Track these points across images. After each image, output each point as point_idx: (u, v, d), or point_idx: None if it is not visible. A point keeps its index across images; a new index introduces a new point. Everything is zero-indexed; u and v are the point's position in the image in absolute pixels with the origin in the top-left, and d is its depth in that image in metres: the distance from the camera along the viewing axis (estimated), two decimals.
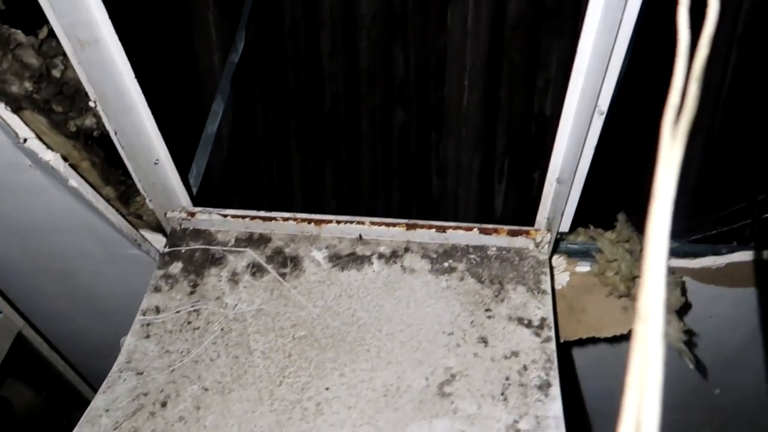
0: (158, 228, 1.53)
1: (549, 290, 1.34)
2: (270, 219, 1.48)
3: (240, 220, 1.49)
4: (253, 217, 1.49)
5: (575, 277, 1.50)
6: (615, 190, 2.69)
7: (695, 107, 0.42)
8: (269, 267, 1.43)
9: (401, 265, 1.42)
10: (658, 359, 0.35)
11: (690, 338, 1.39)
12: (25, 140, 1.20)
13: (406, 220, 1.46)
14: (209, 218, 1.50)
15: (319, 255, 1.45)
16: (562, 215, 1.36)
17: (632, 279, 1.37)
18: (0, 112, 1.20)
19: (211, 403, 1.18)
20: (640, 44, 1.09)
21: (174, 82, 3.45)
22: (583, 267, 1.50)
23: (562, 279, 1.51)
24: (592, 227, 1.53)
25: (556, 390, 1.17)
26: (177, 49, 3.38)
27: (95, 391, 1.24)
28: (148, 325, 1.34)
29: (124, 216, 1.42)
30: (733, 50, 3.11)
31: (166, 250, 1.48)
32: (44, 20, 1.10)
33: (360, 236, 1.47)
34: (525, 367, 1.22)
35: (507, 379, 1.20)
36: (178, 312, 1.36)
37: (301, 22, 3.34)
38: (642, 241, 1.44)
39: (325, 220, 1.47)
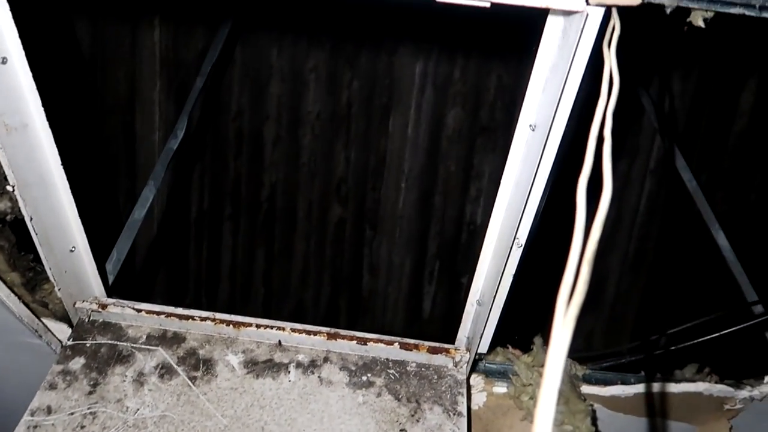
0: (64, 318, 1.44)
1: (465, 412, 1.33)
2: (186, 318, 1.43)
3: (154, 316, 1.43)
4: (168, 314, 1.43)
5: (492, 398, 1.50)
6: (533, 312, 2.78)
7: (586, 289, 0.45)
8: (180, 369, 1.36)
9: (319, 376, 1.38)
10: None
11: None
12: None
13: (327, 329, 1.44)
14: (121, 312, 1.43)
15: (235, 359, 1.39)
16: (482, 336, 1.38)
17: None
18: None
19: None
20: (559, 184, 1.17)
21: (104, 165, 3.40)
22: (501, 388, 1.51)
23: (479, 399, 1.51)
24: (510, 347, 1.56)
25: None
26: (113, 130, 3.36)
27: None
28: (35, 427, 1.22)
29: (26, 304, 1.33)
30: (646, 181, 3.39)
31: (69, 342, 1.39)
32: None
33: (279, 342, 1.43)
34: None
35: None
36: (71, 414, 1.25)
37: (247, 111, 3.41)
38: None
39: (245, 323, 1.43)
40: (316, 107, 3.44)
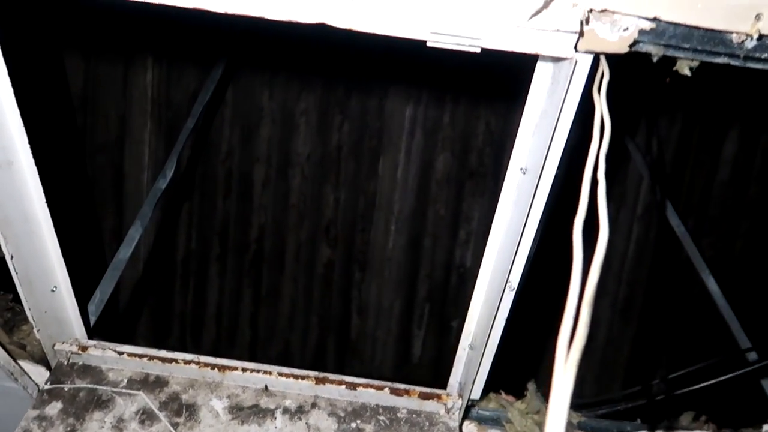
0: (42, 360, 1.39)
1: None
2: (170, 360, 1.39)
3: (137, 359, 1.38)
4: (151, 357, 1.39)
5: None
6: (526, 357, 2.75)
7: (587, 333, 0.44)
8: (161, 415, 1.31)
9: (306, 423, 1.33)
10: None
11: None
12: None
13: (315, 373, 1.41)
14: (102, 354, 1.39)
15: (219, 405, 1.35)
16: (474, 381, 1.35)
17: None
18: None
19: None
20: (550, 227, 1.17)
21: (91, 203, 3.37)
22: None
23: None
24: (503, 393, 1.53)
25: None
26: (102, 169, 3.35)
27: None
28: None
29: (3, 345, 1.28)
30: (634, 227, 3.41)
31: (47, 387, 1.34)
32: None
33: (266, 387, 1.39)
34: None
35: None
36: None
37: (237, 152, 3.42)
38: None
39: (230, 366, 1.39)
40: (306, 149, 3.45)
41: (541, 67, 0.96)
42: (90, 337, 1.45)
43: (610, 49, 0.85)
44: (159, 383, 1.38)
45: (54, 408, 1.30)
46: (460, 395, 1.39)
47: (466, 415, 1.46)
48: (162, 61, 3.29)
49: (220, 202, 3.51)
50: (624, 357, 3.66)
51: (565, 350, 0.44)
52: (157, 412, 1.32)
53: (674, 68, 0.96)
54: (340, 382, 1.39)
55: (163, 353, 1.40)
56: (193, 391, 1.37)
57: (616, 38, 0.82)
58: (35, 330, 1.32)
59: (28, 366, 1.39)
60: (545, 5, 0.79)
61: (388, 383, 1.41)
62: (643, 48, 0.86)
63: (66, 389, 1.34)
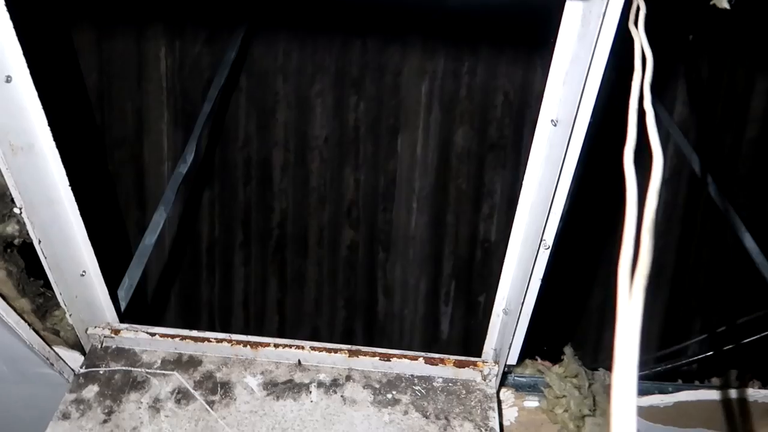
0: (76, 345, 1.40)
1: (497, 428, 1.27)
2: (202, 340, 1.38)
3: (169, 339, 1.38)
4: (183, 337, 1.38)
5: (523, 413, 1.43)
6: (561, 320, 2.71)
7: (650, 260, 0.41)
8: (197, 393, 1.30)
9: (341, 396, 1.32)
10: None
11: None
12: None
13: (348, 346, 1.39)
14: (135, 337, 1.38)
15: (253, 381, 1.34)
16: (510, 347, 1.32)
17: (581, 417, 1.31)
18: None
19: None
20: (585, 178, 1.13)
21: (113, 196, 3.39)
22: (532, 402, 1.44)
23: (509, 415, 1.44)
24: (539, 359, 1.50)
25: None
26: (122, 162, 3.36)
27: None
28: None
29: (37, 331, 1.29)
30: (662, 191, 3.33)
31: (82, 370, 1.34)
32: None
33: (299, 362, 1.37)
34: None
35: None
36: None
37: (255, 138, 3.40)
38: (589, 377, 1.40)
39: (262, 343, 1.38)
40: (324, 132, 3.43)
41: (569, 8, 0.91)
42: (121, 321, 1.45)
43: None
44: (192, 363, 1.37)
45: (90, 391, 1.30)
46: (496, 362, 1.36)
47: (502, 382, 1.43)
48: (174, 52, 3.28)
49: (241, 190, 3.51)
50: (656, 325, 3.59)
51: (628, 280, 0.40)
52: (192, 391, 1.31)
53: (711, 2, 0.91)
54: (374, 354, 1.37)
55: (195, 333, 1.40)
56: (226, 369, 1.36)
57: None
58: (67, 315, 1.32)
59: (62, 351, 1.40)
60: None
61: (422, 353, 1.39)
62: None
63: (101, 372, 1.34)
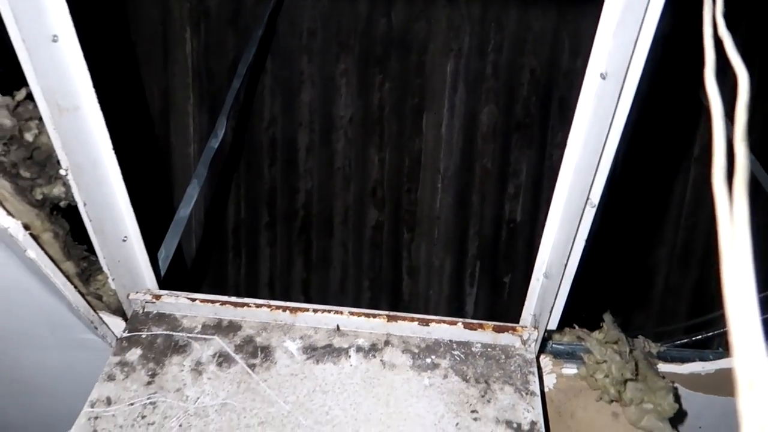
0: (118, 311, 1.41)
1: (538, 392, 1.26)
2: (242, 305, 1.39)
3: (209, 305, 1.39)
4: (223, 303, 1.39)
5: (562, 379, 1.42)
6: (598, 288, 2.68)
7: (747, 169, 0.39)
8: (237, 357, 1.32)
9: (381, 360, 1.32)
10: None
11: None
12: None
13: (386, 312, 1.39)
14: (176, 302, 1.40)
15: (293, 346, 1.35)
16: (551, 312, 1.31)
17: (623, 382, 1.30)
18: None
19: None
20: (634, 135, 1.11)
21: (150, 161, 3.42)
22: (570, 369, 1.43)
23: (548, 381, 1.43)
24: (576, 327, 1.49)
25: None
26: (149, 143, 3.38)
27: None
28: (96, 418, 1.19)
29: (82, 295, 1.30)
30: (691, 169, 3.28)
31: (125, 334, 1.36)
32: (24, 83, 1.07)
33: (337, 327, 1.38)
34: None
35: None
36: (131, 404, 1.21)
37: (280, 118, 3.41)
38: (630, 343, 1.39)
39: (301, 308, 1.38)
40: (348, 111, 3.42)
41: None
42: (161, 288, 1.46)
43: None
44: (232, 328, 1.38)
45: (134, 354, 1.32)
46: (535, 327, 1.35)
47: (541, 349, 1.42)
48: (200, 33, 3.29)
49: (266, 170, 3.52)
50: (684, 306, 3.55)
51: (725, 191, 0.39)
52: (233, 354, 1.32)
53: None
54: (412, 319, 1.37)
55: (234, 299, 1.41)
56: (266, 334, 1.37)
57: None
58: (110, 279, 1.34)
59: (105, 316, 1.41)
60: None
61: (461, 319, 1.38)
62: None
63: (144, 336, 1.36)
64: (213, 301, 1.39)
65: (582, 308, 1.57)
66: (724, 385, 1.41)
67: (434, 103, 3.37)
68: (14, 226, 1.12)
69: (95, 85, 1.14)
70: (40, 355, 1.47)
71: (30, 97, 1.06)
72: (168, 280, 1.69)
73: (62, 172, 1.15)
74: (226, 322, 1.39)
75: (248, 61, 2.49)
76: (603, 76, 1.00)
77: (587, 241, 1.15)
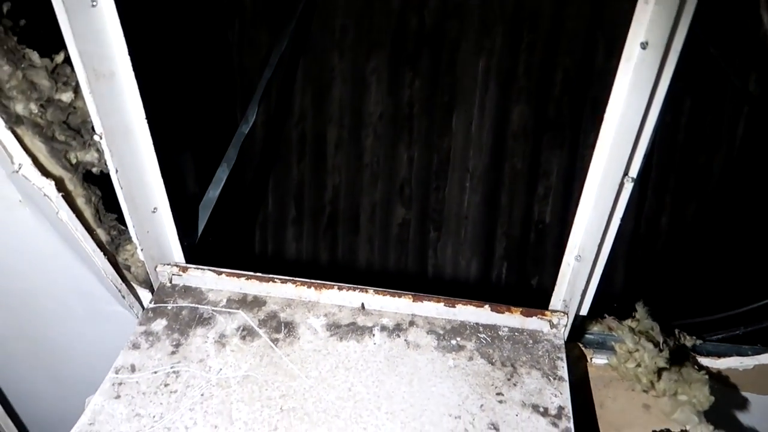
0: (145, 283, 1.42)
1: (566, 377, 1.22)
2: (267, 280, 1.39)
3: (235, 279, 1.39)
4: (248, 277, 1.39)
5: (591, 368, 1.38)
6: (630, 277, 2.62)
7: None
8: (261, 331, 1.31)
9: (405, 339, 1.30)
10: None
11: None
12: (20, 166, 1.13)
13: (412, 293, 1.37)
14: (202, 275, 1.40)
15: (317, 322, 1.33)
16: (583, 296, 1.28)
17: (656, 372, 1.26)
18: None
19: None
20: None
21: (181, 141, 3.46)
22: (600, 359, 1.39)
23: (577, 370, 1.39)
24: (607, 317, 1.44)
25: None
26: (189, 112, 3.41)
27: None
28: (119, 384, 1.19)
29: (112, 263, 1.31)
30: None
31: (151, 305, 1.37)
32: (63, 46, 1.08)
33: (362, 305, 1.36)
34: None
35: None
36: (155, 372, 1.21)
37: (310, 113, 3.42)
38: (663, 334, 1.34)
39: (326, 285, 1.37)
40: (378, 108, 3.42)
41: None
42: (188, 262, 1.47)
43: None
44: (257, 303, 1.38)
45: (159, 324, 1.33)
46: (565, 313, 1.32)
47: (570, 337, 1.38)
48: (233, 29, 3.33)
49: (295, 166, 3.54)
50: (733, 287, 3.38)
51: None
52: (257, 328, 1.32)
53: None
54: (438, 300, 1.35)
55: (260, 274, 1.41)
56: (290, 310, 1.36)
57: None
58: (138, 250, 1.35)
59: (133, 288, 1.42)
60: None
61: (488, 302, 1.35)
62: None
63: (169, 308, 1.36)
64: (239, 276, 1.39)
65: (617, 296, 1.52)
66: (762, 380, 1.35)
67: (464, 102, 3.34)
68: (49, 187, 1.14)
69: (131, 54, 1.16)
70: (68, 324, 1.49)
71: (68, 60, 1.08)
72: (195, 260, 1.70)
73: (96, 137, 1.16)
74: (251, 297, 1.39)
75: (280, 52, 2.51)
76: (643, 46, 0.97)
77: (623, 219, 1.11)
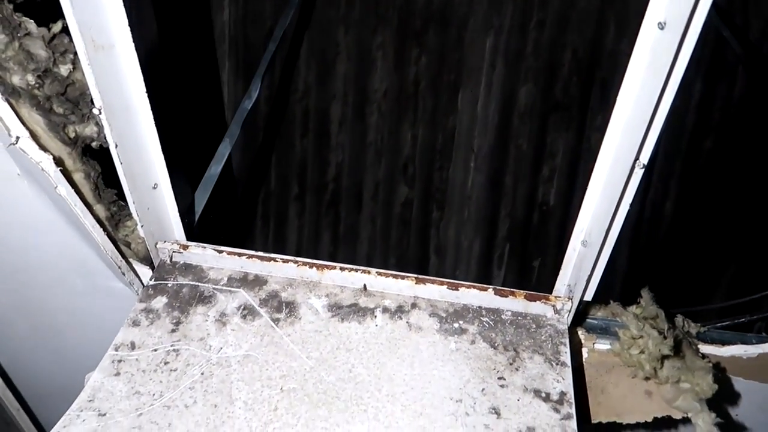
0: (145, 260, 1.41)
1: (569, 363, 1.21)
2: (268, 260, 1.37)
3: (236, 258, 1.37)
4: (250, 256, 1.37)
5: (594, 354, 1.37)
6: (634, 262, 2.61)
7: None
8: (262, 311, 1.30)
9: (407, 322, 1.29)
10: None
11: None
12: (18, 139, 1.11)
13: (415, 275, 1.35)
14: (203, 253, 1.39)
15: (318, 303, 1.32)
16: (588, 282, 1.26)
17: (660, 359, 1.24)
18: None
19: None
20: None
21: (181, 113, 3.43)
22: (603, 345, 1.38)
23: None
24: (612, 302, 1.43)
25: None
26: (191, 87, 3.38)
27: None
28: (119, 361, 1.18)
29: (111, 239, 1.30)
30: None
31: (151, 282, 1.35)
32: (60, 15, 1.05)
33: (364, 287, 1.35)
34: None
35: None
36: (155, 350, 1.21)
37: (314, 90, 3.38)
38: (669, 321, 1.33)
39: (328, 266, 1.36)
40: (383, 85, 3.37)
41: None
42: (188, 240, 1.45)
43: None
44: (258, 282, 1.37)
45: (159, 302, 1.31)
46: (570, 298, 1.30)
47: (574, 322, 1.37)
48: (238, 1, 3.27)
49: (298, 142, 3.51)
50: (736, 275, 3.38)
51: None
52: (258, 308, 1.31)
53: None
54: (441, 283, 1.33)
55: (261, 253, 1.39)
56: (291, 290, 1.35)
57: None
58: (139, 226, 1.33)
59: (132, 265, 1.41)
60: None
61: (491, 285, 1.34)
62: None
63: (170, 285, 1.35)
64: (240, 254, 1.38)
65: (621, 283, 1.51)
66: (766, 370, 1.34)
67: (471, 80, 3.30)
68: (46, 161, 1.12)
69: (131, 25, 1.13)
70: (67, 299, 1.48)
71: (66, 30, 1.05)
72: (195, 237, 1.69)
73: (95, 111, 1.13)
74: (252, 276, 1.38)
75: (284, 26, 2.46)
76: (661, 26, 0.94)
77: (632, 205, 1.09)
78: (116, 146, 1.19)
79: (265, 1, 3.27)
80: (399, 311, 1.31)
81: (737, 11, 2.95)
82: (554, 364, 1.21)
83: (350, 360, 1.21)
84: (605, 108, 3.19)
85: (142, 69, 1.17)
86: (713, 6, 0.91)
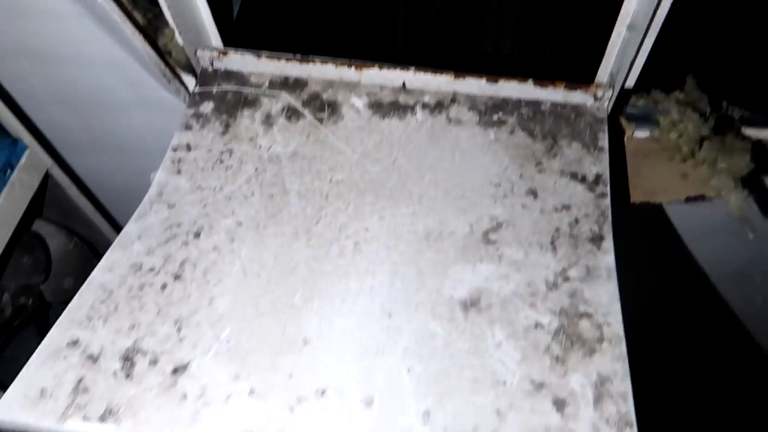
0: (188, 68, 1.44)
1: (606, 148, 1.24)
2: (307, 61, 1.38)
3: (275, 61, 1.38)
4: (288, 59, 1.38)
5: (632, 141, 1.39)
6: (679, 51, 2.47)
7: None
8: (305, 111, 1.34)
9: (447, 116, 1.32)
10: None
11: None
12: None
13: (453, 70, 1.35)
14: (242, 59, 1.40)
15: (359, 102, 1.35)
16: (630, 69, 1.24)
17: (698, 141, 1.26)
18: None
19: (246, 237, 1.13)
20: None
21: None
22: (642, 132, 1.39)
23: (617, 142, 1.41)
24: (653, 90, 1.41)
25: (609, 244, 1.10)
26: None
27: None
28: (179, 161, 1.27)
29: (152, 46, 1.32)
30: None
31: (197, 90, 1.39)
32: None
33: (403, 84, 1.36)
34: (576, 220, 1.14)
35: (557, 230, 1.13)
36: (210, 151, 1.29)
37: None
38: (712, 106, 1.31)
39: (367, 64, 1.36)
40: None
41: None
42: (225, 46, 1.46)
43: None
44: (299, 84, 1.39)
45: (207, 107, 1.37)
46: (611, 86, 1.29)
47: (614, 112, 1.37)
48: None
49: None
50: None
51: None
52: (301, 109, 1.35)
53: None
54: (480, 76, 1.33)
55: (299, 55, 1.39)
56: (332, 91, 1.37)
57: None
58: (177, 34, 1.34)
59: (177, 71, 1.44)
60: None
61: (531, 78, 1.33)
62: None
63: (214, 91, 1.39)
64: (278, 57, 1.39)
65: (665, 70, 1.46)
66: None
67: None
68: None
69: None
70: (123, 109, 1.55)
71: None
72: (232, 42, 1.68)
73: None
74: (292, 79, 1.40)
75: None
76: None
77: None
78: None
79: None
80: (439, 106, 1.33)
81: None
82: (592, 149, 1.25)
83: (393, 153, 1.27)
84: None
85: None
86: None
